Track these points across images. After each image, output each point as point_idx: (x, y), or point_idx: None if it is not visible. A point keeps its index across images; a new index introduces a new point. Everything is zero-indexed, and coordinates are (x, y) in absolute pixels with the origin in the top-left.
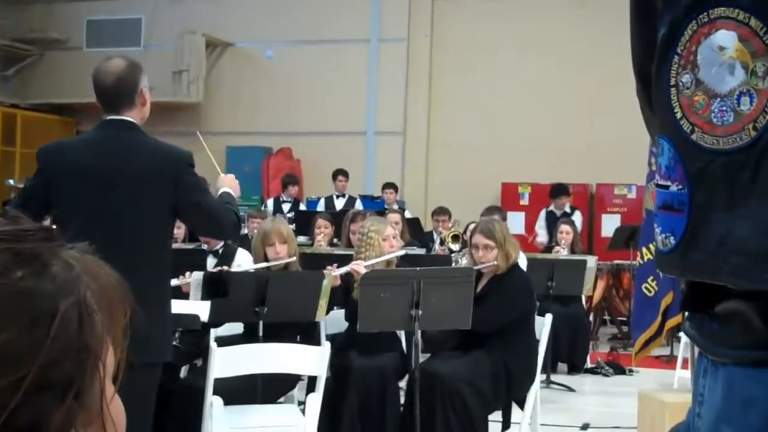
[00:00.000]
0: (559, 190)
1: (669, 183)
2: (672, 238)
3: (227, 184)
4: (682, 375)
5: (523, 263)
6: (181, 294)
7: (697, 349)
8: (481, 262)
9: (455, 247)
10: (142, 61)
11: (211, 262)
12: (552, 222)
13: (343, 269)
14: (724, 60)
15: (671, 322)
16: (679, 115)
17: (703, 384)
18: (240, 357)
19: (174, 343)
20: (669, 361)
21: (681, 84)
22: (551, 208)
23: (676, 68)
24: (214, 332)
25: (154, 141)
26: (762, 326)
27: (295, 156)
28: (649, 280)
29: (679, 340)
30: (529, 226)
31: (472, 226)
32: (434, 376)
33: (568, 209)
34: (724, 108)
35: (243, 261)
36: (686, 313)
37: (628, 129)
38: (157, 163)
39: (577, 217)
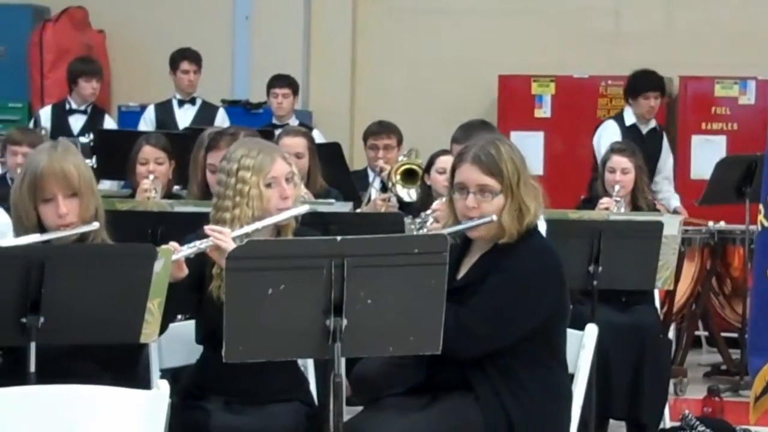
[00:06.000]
0: (646, 82)
1: None
2: None
3: None
4: None
5: (541, 228)
6: None
7: None
8: (468, 217)
9: (408, 194)
10: None
11: None
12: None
13: (193, 247)
14: None
15: None
16: None
17: None
18: None
19: None
20: None
21: None
22: (631, 119)
23: None
24: None
25: None
26: None
27: (93, 24)
28: None
29: None
30: (553, 159)
31: (444, 160)
32: None
33: (655, 124)
34: None
35: None
36: None
37: None
38: None
39: (666, 151)
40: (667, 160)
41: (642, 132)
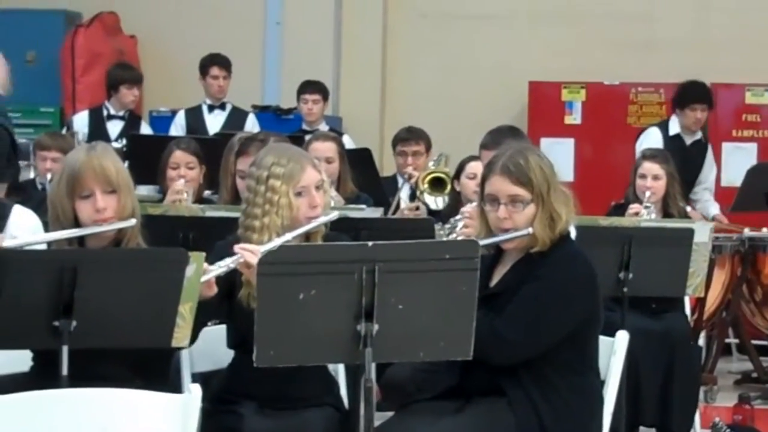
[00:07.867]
0: (694, 94)
1: None
2: None
3: None
4: None
5: (571, 235)
6: None
7: None
8: (502, 229)
9: (436, 201)
10: None
11: None
12: (679, 157)
13: (223, 266)
14: None
15: None
16: None
17: None
18: (25, 415)
19: None
20: None
21: None
22: (675, 128)
23: None
24: None
25: None
26: None
27: (125, 30)
28: None
29: None
30: (583, 165)
31: (474, 166)
32: None
33: (700, 136)
34: None
35: (23, 228)
36: None
37: None
38: None
39: (709, 163)
40: (710, 172)
41: (686, 142)
